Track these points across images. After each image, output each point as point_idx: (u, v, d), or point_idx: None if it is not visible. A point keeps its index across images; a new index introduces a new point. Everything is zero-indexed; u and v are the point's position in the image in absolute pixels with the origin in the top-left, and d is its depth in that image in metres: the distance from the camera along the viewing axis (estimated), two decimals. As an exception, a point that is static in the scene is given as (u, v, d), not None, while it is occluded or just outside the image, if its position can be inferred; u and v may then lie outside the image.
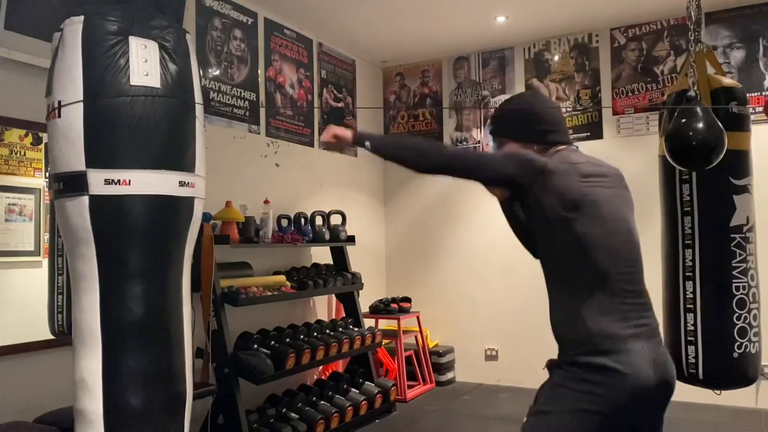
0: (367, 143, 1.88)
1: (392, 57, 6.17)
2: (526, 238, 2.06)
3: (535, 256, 1.99)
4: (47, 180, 3.28)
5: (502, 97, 5.88)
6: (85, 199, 1.92)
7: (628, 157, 5.31)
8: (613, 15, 5.19)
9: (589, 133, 5.51)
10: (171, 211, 2.03)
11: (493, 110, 2.08)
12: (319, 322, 4.68)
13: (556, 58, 5.67)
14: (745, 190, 2.93)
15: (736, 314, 2.86)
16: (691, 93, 2.81)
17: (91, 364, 1.92)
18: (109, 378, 1.92)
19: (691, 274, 2.93)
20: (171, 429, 2.02)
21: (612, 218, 1.83)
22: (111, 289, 1.94)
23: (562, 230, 1.77)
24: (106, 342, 1.92)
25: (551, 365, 1.86)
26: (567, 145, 1.94)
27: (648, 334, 1.77)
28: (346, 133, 1.94)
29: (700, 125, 2.70)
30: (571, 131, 5.52)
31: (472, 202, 5.86)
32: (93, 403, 1.91)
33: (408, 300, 5.66)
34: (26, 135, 3.24)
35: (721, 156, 2.69)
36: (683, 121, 2.75)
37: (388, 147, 1.94)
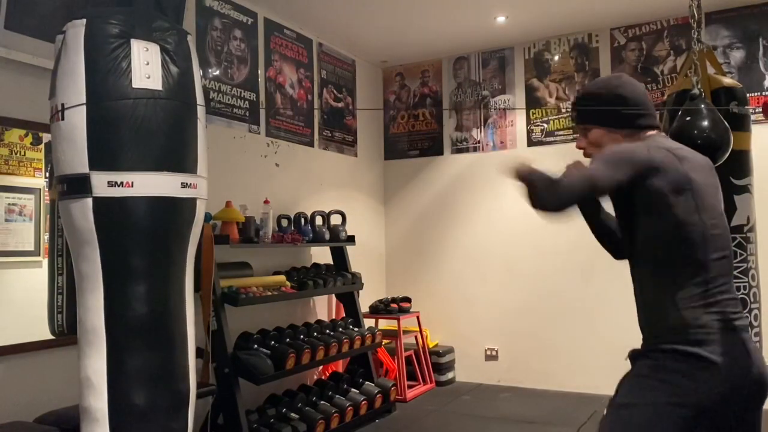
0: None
1: (392, 57, 6.17)
2: (608, 236, 2.00)
3: (616, 256, 1.98)
4: (47, 180, 3.28)
5: (502, 97, 5.89)
6: (89, 201, 1.92)
7: (628, 157, 5.32)
8: (613, 15, 5.19)
9: (588, 133, 5.50)
10: (174, 212, 2.04)
11: (576, 94, 1.96)
12: (319, 322, 4.68)
13: (556, 58, 5.68)
14: (745, 190, 2.93)
15: (737, 314, 2.87)
16: (695, 91, 2.81)
17: (96, 362, 1.93)
18: (114, 376, 1.93)
19: (691, 274, 2.93)
20: (175, 427, 2.03)
21: (709, 207, 1.76)
22: (115, 289, 1.95)
23: (665, 215, 1.70)
24: (110, 341, 1.93)
25: (634, 354, 1.79)
26: (657, 129, 1.87)
27: (743, 327, 1.71)
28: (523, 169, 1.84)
29: (705, 123, 2.70)
30: (571, 131, 5.53)
31: (472, 202, 5.86)
32: (98, 401, 1.92)
33: (408, 300, 5.67)
34: (26, 135, 3.24)
35: (727, 154, 2.69)
36: (688, 119, 2.75)
37: (529, 188, 1.82)
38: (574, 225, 6.28)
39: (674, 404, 1.61)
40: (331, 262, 5.16)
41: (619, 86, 1.89)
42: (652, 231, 1.73)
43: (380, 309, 5.53)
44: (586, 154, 1.92)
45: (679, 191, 1.70)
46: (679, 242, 1.70)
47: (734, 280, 2.85)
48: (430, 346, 5.84)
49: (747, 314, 1.78)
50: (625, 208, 1.80)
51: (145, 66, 1.96)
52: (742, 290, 2.89)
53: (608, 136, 1.86)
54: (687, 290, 1.68)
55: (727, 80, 3.07)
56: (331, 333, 4.56)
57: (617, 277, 5.25)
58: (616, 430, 1.70)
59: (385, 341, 5.11)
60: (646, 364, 1.71)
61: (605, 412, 1.75)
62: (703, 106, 2.75)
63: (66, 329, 3.21)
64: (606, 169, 1.70)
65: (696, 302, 1.67)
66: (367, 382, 4.76)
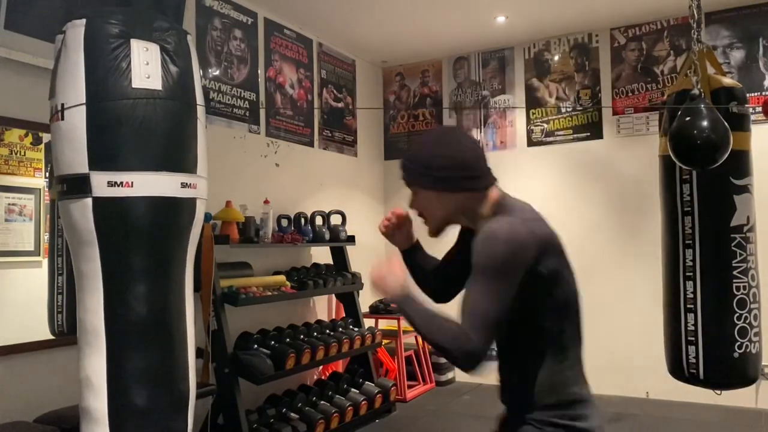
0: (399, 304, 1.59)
1: (392, 57, 6.17)
2: (431, 282, 1.89)
3: (438, 300, 1.85)
4: (47, 180, 3.28)
5: (502, 97, 5.89)
6: (89, 201, 1.92)
7: (628, 157, 5.33)
8: (613, 15, 5.19)
9: (589, 133, 5.51)
10: (173, 212, 2.03)
11: (406, 156, 1.73)
12: (319, 322, 4.69)
13: (556, 58, 5.67)
14: (745, 190, 2.93)
15: (737, 314, 2.86)
16: (695, 91, 2.80)
17: (95, 363, 1.93)
18: (114, 377, 1.93)
19: (691, 274, 2.93)
20: (175, 427, 2.03)
21: (572, 273, 1.65)
22: (115, 289, 1.95)
23: (549, 293, 1.57)
24: (110, 341, 1.93)
25: (513, 420, 1.63)
26: (494, 185, 1.70)
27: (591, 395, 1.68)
28: (388, 289, 1.62)
29: (705, 123, 2.69)
30: (571, 131, 5.54)
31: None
32: (98, 402, 1.92)
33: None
34: (26, 135, 3.24)
35: (726, 154, 2.68)
36: (687, 119, 2.75)
37: (411, 319, 1.57)
38: (573, 226, 6.26)
39: None
40: (331, 262, 5.16)
41: (443, 144, 1.66)
42: (537, 305, 1.58)
43: (380, 309, 5.53)
44: (419, 215, 1.74)
45: (561, 270, 1.59)
46: (564, 317, 1.60)
47: (734, 280, 2.89)
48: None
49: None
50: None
51: (145, 66, 1.96)
52: (742, 290, 2.88)
53: (442, 200, 1.65)
54: (570, 364, 1.61)
55: (727, 80, 3.07)
56: (331, 333, 4.56)
57: (617, 278, 5.29)
58: None
59: (385, 341, 5.11)
60: None
61: None
62: (702, 106, 2.75)
63: (66, 329, 3.21)
64: (491, 294, 1.48)
65: (578, 376, 1.63)
66: (367, 382, 4.76)
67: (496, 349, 1.67)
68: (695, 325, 2.91)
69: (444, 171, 1.62)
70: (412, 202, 1.73)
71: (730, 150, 2.70)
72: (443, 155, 1.64)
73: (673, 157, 2.82)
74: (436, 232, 1.72)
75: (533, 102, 5.75)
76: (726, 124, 2.71)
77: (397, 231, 1.87)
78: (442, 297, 1.93)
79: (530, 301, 1.55)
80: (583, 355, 1.69)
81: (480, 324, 1.46)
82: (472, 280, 1.52)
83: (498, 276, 1.49)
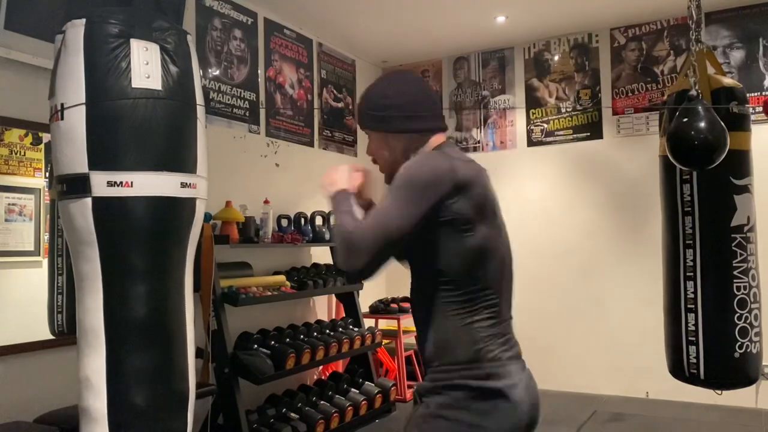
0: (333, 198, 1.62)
1: (392, 57, 6.17)
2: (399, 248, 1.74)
3: (401, 259, 1.73)
4: (47, 180, 3.28)
5: (502, 97, 5.89)
6: (88, 200, 1.92)
7: (628, 157, 5.33)
8: (613, 15, 5.19)
9: (589, 133, 5.51)
10: (173, 212, 2.03)
11: (359, 100, 1.78)
12: (319, 322, 4.68)
13: (556, 58, 5.67)
14: (745, 189, 2.93)
15: (737, 314, 2.86)
16: (693, 92, 2.81)
17: (95, 363, 1.93)
18: (113, 376, 1.93)
19: (692, 274, 2.93)
20: (174, 427, 2.03)
21: (498, 227, 1.63)
22: (114, 289, 1.94)
23: (459, 239, 1.53)
24: (109, 341, 1.93)
25: (421, 391, 1.59)
26: (441, 131, 1.70)
27: (518, 355, 1.64)
28: (328, 188, 1.66)
29: (702, 124, 2.70)
30: (571, 131, 5.53)
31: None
32: (97, 402, 1.92)
33: (408, 300, 5.66)
34: (26, 135, 3.24)
35: (723, 155, 2.69)
36: (685, 120, 2.75)
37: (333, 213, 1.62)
38: (573, 226, 6.25)
39: None
40: (331, 262, 5.16)
41: (394, 86, 1.70)
42: (440, 256, 1.54)
43: (380, 309, 5.53)
44: (373, 161, 1.77)
45: (478, 211, 1.55)
46: (473, 268, 1.55)
47: (735, 280, 2.90)
48: (430, 346, 5.83)
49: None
50: (419, 230, 1.53)
51: (145, 66, 1.96)
52: (742, 290, 2.88)
53: (386, 144, 1.68)
54: (478, 319, 1.56)
55: (727, 80, 3.07)
56: (331, 333, 4.56)
57: (616, 277, 5.29)
58: None
59: (385, 341, 5.10)
60: (438, 402, 1.54)
61: None
62: (700, 107, 2.75)
63: (66, 329, 3.21)
64: (398, 208, 1.49)
65: (487, 332, 1.56)
66: (367, 382, 4.76)
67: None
68: (696, 325, 2.91)
69: (386, 111, 1.66)
70: (368, 147, 1.77)
71: (727, 150, 2.70)
72: (387, 96, 1.68)
73: (670, 158, 2.82)
74: (388, 176, 1.70)
75: (533, 102, 5.75)
76: (723, 124, 2.72)
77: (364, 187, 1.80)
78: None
79: (436, 245, 1.53)
80: (509, 314, 1.66)
81: (377, 229, 1.47)
82: (385, 197, 1.53)
83: (408, 194, 1.49)
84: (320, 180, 1.69)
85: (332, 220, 1.61)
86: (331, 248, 5.12)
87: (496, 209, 1.65)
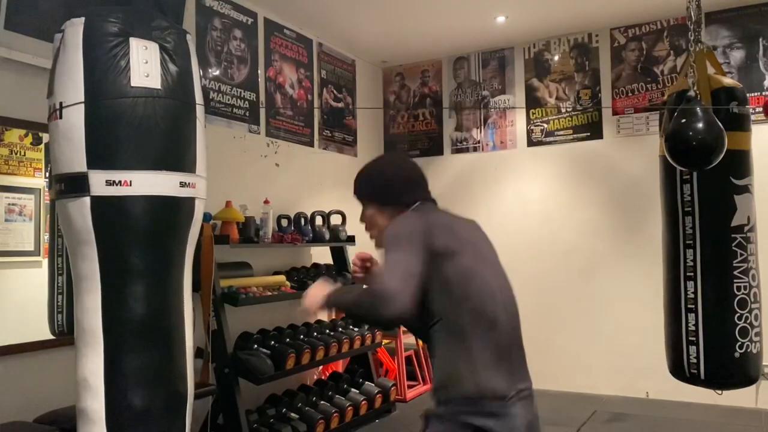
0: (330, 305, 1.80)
1: (392, 57, 6.17)
2: None
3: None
4: (47, 180, 3.28)
5: (502, 97, 5.89)
6: (87, 200, 1.91)
7: (628, 157, 5.32)
8: (613, 15, 5.19)
9: (589, 133, 5.51)
10: (172, 211, 2.03)
11: (357, 175, 2.09)
12: (319, 322, 4.68)
13: (556, 58, 5.67)
14: (745, 190, 2.93)
15: (738, 314, 2.86)
16: (691, 93, 2.81)
17: (93, 363, 1.92)
18: (111, 377, 1.92)
19: (692, 274, 2.93)
20: (172, 428, 2.03)
21: (483, 260, 1.81)
22: (113, 289, 1.94)
23: (439, 272, 1.69)
24: (107, 342, 1.92)
25: (430, 416, 1.75)
26: (424, 200, 1.94)
27: (527, 394, 1.72)
28: (316, 302, 1.81)
29: (700, 125, 2.70)
30: (571, 131, 5.53)
31: (472, 202, 5.86)
32: (95, 402, 1.91)
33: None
34: (26, 135, 3.24)
35: (721, 156, 2.69)
36: (683, 121, 2.75)
37: (340, 307, 1.81)
38: (573, 226, 6.25)
39: None
40: (331, 262, 5.15)
41: (384, 167, 2.02)
42: (443, 296, 1.70)
43: (380, 309, 5.52)
44: (366, 228, 1.99)
45: (456, 249, 1.73)
46: (472, 304, 1.69)
47: (735, 280, 2.89)
48: (431, 346, 5.82)
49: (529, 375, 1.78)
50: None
51: (144, 64, 1.95)
52: (742, 290, 2.88)
53: (381, 214, 1.91)
54: (481, 354, 1.66)
55: (727, 80, 3.07)
56: (331, 333, 4.56)
57: (616, 277, 5.28)
58: None
59: (385, 341, 5.10)
60: (441, 429, 1.70)
61: None
62: (698, 107, 2.75)
63: (66, 329, 3.21)
64: (404, 260, 1.65)
65: (490, 368, 1.65)
66: (367, 382, 4.76)
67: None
68: (696, 325, 2.91)
69: (383, 188, 1.93)
70: (361, 216, 1.99)
71: (725, 151, 2.70)
72: (386, 172, 1.98)
73: (669, 159, 2.82)
74: (378, 242, 1.91)
75: (533, 102, 5.74)
76: (721, 125, 2.72)
77: (367, 272, 1.99)
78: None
79: (427, 284, 1.67)
80: (502, 343, 1.71)
81: (394, 273, 1.61)
82: (384, 257, 1.70)
83: (402, 243, 1.69)
84: (305, 306, 1.84)
85: (350, 309, 1.75)
86: (332, 249, 5.12)
87: (479, 246, 1.85)
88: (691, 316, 2.92)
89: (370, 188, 1.96)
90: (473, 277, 1.71)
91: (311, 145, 5.36)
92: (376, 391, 4.65)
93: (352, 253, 5.22)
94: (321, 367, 4.98)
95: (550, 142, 5.65)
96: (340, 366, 5.03)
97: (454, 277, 1.69)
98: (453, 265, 1.69)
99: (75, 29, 1.95)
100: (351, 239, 5.06)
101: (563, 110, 5.61)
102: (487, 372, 1.64)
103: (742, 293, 2.88)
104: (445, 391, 1.69)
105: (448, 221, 1.86)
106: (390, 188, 1.92)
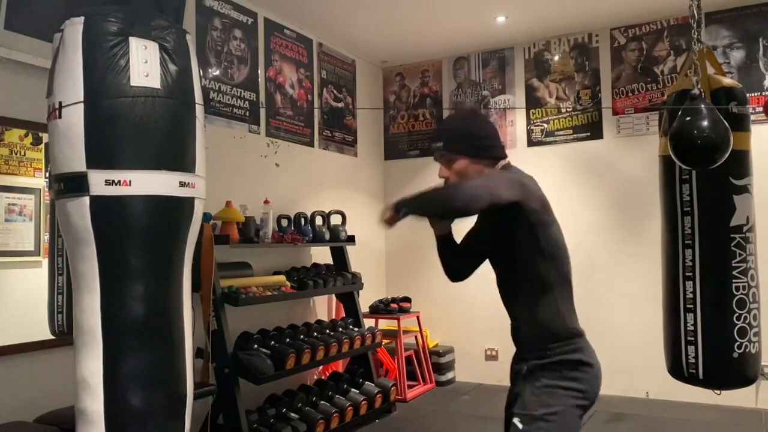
0: (403, 211, 1.88)
1: (392, 57, 6.17)
2: (459, 258, 2.27)
3: (455, 279, 2.30)
4: (47, 180, 3.28)
5: (502, 97, 5.90)
6: (86, 199, 1.91)
7: (628, 157, 5.32)
8: (613, 15, 5.19)
9: (589, 133, 5.51)
10: (171, 211, 2.02)
11: (439, 129, 2.21)
12: (319, 322, 4.68)
13: (556, 58, 5.67)
14: (745, 190, 2.92)
15: (736, 314, 2.86)
16: (695, 91, 2.80)
17: (92, 363, 1.91)
18: (110, 378, 1.91)
19: (691, 274, 2.92)
20: (172, 429, 2.02)
21: (555, 220, 2.03)
22: (112, 289, 1.93)
23: (540, 234, 1.95)
24: (106, 342, 1.91)
25: (533, 368, 1.94)
26: (506, 158, 2.11)
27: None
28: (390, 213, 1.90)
29: (705, 123, 2.69)
30: (571, 131, 5.54)
31: (472, 202, 5.86)
32: (94, 403, 1.90)
33: (408, 300, 5.66)
34: (26, 135, 3.24)
35: (727, 154, 2.68)
36: (688, 119, 2.74)
37: (422, 208, 1.96)
38: (573, 225, 6.30)
39: (578, 407, 1.89)
40: (331, 262, 5.16)
41: (477, 122, 2.16)
42: (530, 250, 1.95)
43: (380, 309, 5.53)
44: (447, 183, 2.08)
45: (548, 210, 1.98)
46: (554, 256, 1.96)
47: (734, 280, 2.89)
48: (430, 346, 5.84)
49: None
50: (500, 228, 2.01)
51: (144, 64, 1.95)
52: (741, 290, 2.88)
53: (473, 166, 2.04)
54: (562, 301, 1.96)
55: (727, 80, 3.06)
56: (331, 333, 4.56)
57: (616, 278, 5.29)
58: None
59: (385, 341, 5.10)
60: (549, 375, 1.91)
61: (517, 424, 1.87)
62: (703, 106, 2.74)
63: (66, 329, 3.21)
64: (504, 186, 1.89)
65: (569, 311, 1.97)
66: (367, 382, 4.76)
67: (499, 289, 2.11)
68: (695, 325, 2.90)
69: (481, 140, 2.06)
70: (442, 170, 2.08)
71: (730, 150, 2.70)
72: (480, 126, 2.11)
73: (673, 157, 2.81)
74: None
75: (533, 102, 5.75)
76: (726, 124, 2.71)
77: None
78: (462, 274, 2.32)
79: (521, 241, 1.95)
80: (572, 294, 2.02)
81: (480, 182, 1.90)
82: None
83: (496, 177, 1.96)
84: (381, 221, 1.93)
85: (424, 198, 1.94)
86: (332, 249, 5.12)
87: (551, 213, 2.04)
88: (690, 316, 2.92)
89: (467, 142, 2.05)
90: (561, 244, 1.99)
91: (311, 145, 5.37)
92: (376, 391, 4.65)
93: (352, 253, 5.25)
94: (321, 367, 4.98)
95: (550, 142, 5.66)
96: (340, 366, 5.04)
97: (548, 245, 1.95)
98: (547, 233, 1.95)
99: (74, 29, 1.95)
100: (351, 239, 5.07)
101: (563, 110, 5.61)
102: (571, 318, 1.96)
103: (741, 293, 2.87)
104: (542, 342, 1.93)
105: (536, 188, 2.00)
106: (485, 141, 2.06)
